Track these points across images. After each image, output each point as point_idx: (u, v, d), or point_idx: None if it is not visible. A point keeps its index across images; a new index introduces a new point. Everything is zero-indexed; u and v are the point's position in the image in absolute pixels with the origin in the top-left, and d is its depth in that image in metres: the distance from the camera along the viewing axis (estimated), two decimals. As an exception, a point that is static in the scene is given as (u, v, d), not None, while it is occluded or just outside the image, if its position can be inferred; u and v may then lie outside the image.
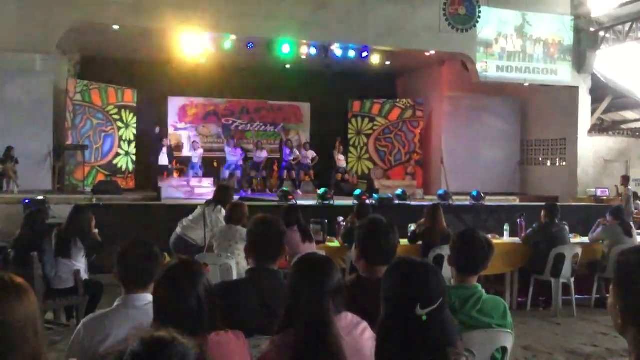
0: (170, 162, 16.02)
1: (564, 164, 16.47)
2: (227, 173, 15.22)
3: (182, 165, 16.30)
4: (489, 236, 3.29)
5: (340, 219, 7.97)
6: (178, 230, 6.85)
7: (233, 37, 13.54)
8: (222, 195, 6.92)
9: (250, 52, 14.14)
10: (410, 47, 14.43)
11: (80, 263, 6.25)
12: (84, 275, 6.27)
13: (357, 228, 3.22)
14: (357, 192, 11.31)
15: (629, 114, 18.00)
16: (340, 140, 17.12)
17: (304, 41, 13.90)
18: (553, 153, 16.88)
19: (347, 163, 17.38)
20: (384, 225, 3.09)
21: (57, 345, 5.48)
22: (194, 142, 16.80)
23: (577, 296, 7.70)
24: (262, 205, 10.88)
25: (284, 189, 12.51)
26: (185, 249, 6.58)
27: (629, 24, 14.66)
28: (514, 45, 15.16)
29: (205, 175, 15.81)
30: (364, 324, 2.39)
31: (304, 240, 6.29)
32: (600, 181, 15.66)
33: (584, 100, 15.93)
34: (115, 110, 16.07)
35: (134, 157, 16.54)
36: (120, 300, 2.64)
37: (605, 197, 14.31)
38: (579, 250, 7.71)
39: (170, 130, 17.94)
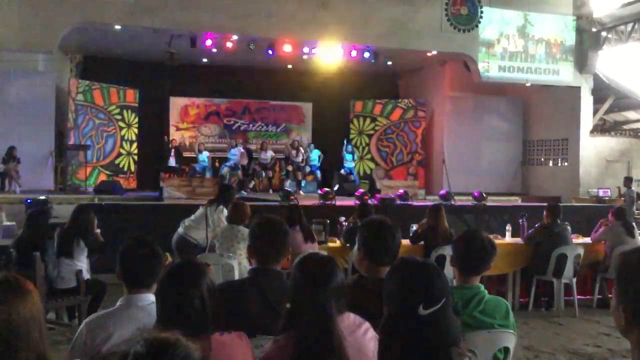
0: (178, 163, 16.02)
1: (566, 164, 16.46)
2: (224, 169, 15.15)
3: (186, 166, 16.30)
4: (491, 236, 3.29)
5: (342, 219, 7.98)
6: (180, 230, 6.85)
7: (235, 37, 13.55)
8: (224, 195, 6.92)
9: (252, 52, 14.15)
10: (412, 47, 14.42)
11: (83, 263, 6.26)
12: (86, 275, 6.27)
13: (360, 228, 3.22)
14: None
15: (631, 114, 17.97)
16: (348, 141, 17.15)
17: (306, 41, 13.90)
18: (555, 153, 16.87)
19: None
20: (388, 225, 3.09)
21: (60, 345, 5.48)
22: (200, 144, 16.81)
23: (579, 296, 7.69)
24: (264, 205, 10.88)
25: (286, 189, 12.51)
26: (187, 249, 6.58)
27: (631, 24, 14.65)
28: (515, 46, 15.15)
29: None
30: (367, 324, 2.39)
31: (306, 240, 6.30)
32: (602, 181, 15.65)
33: (586, 101, 15.92)
34: (117, 110, 16.09)
35: (135, 157, 16.55)
36: (122, 300, 2.63)
37: (607, 198, 14.30)
38: (581, 251, 7.69)
39: (172, 130, 17.95)
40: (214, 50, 14.20)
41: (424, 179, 17.43)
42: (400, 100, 18.46)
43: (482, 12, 14.30)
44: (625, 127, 17.89)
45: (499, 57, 15.00)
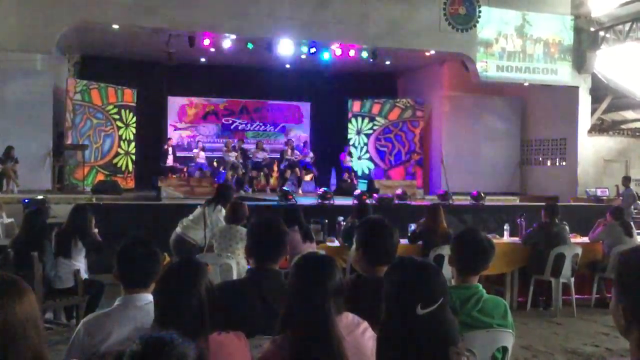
0: (175, 162, 16.00)
1: (564, 163, 16.47)
2: (224, 174, 15.20)
3: (184, 165, 16.28)
4: (489, 236, 3.28)
5: (341, 218, 7.97)
6: (178, 230, 6.84)
7: (233, 36, 13.54)
8: (222, 194, 6.91)
9: (250, 52, 14.14)
10: (410, 46, 14.43)
11: (80, 263, 6.24)
12: (84, 275, 6.26)
13: (357, 228, 3.22)
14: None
15: (629, 114, 18.00)
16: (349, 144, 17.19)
17: (304, 41, 13.90)
18: (553, 153, 16.88)
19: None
20: (385, 225, 3.09)
21: (57, 346, 5.47)
22: (198, 142, 16.80)
23: (577, 296, 7.70)
24: (262, 205, 10.87)
25: (284, 188, 12.49)
26: (185, 249, 6.57)
27: (629, 23, 14.66)
28: (514, 45, 15.17)
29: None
30: (365, 323, 2.39)
31: (305, 240, 6.30)
32: (600, 181, 15.66)
33: (584, 100, 15.93)
34: (115, 110, 16.07)
35: (133, 157, 16.53)
36: (120, 300, 2.63)
37: (605, 197, 14.31)
38: (579, 250, 7.70)
39: (170, 130, 17.94)
40: (212, 49, 14.19)
41: (422, 178, 17.43)
42: (398, 99, 18.46)
43: (480, 11, 14.30)
44: (623, 126, 17.92)
45: (497, 56, 15.01)
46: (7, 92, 13.62)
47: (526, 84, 15.69)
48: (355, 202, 9.84)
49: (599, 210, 10.64)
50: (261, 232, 2.99)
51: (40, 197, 10.35)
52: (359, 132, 18.13)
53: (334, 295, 2.20)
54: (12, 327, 1.58)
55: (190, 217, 6.89)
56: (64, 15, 11.90)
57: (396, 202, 11.22)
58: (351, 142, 17.76)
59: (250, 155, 15.96)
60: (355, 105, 18.19)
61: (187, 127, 18.26)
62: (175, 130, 18.04)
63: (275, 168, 16.92)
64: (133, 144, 16.51)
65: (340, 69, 16.49)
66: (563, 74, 15.55)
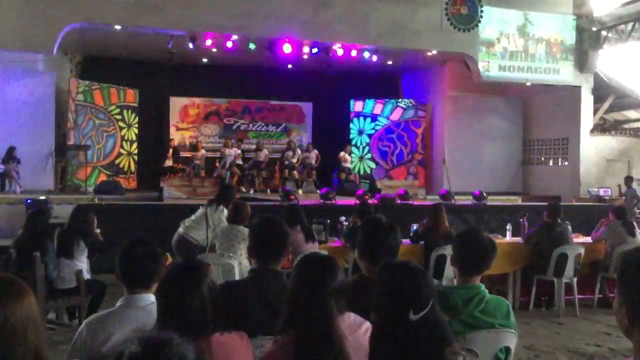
0: (176, 162, 16.04)
1: (566, 163, 16.46)
2: (223, 172, 15.20)
3: (185, 165, 16.31)
4: (492, 236, 3.28)
5: (343, 218, 7.97)
6: (180, 230, 6.84)
7: (235, 36, 13.55)
8: (224, 195, 6.91)
9: (252, 52, 14.15)
10: (412, 46, 14.43)
11: (83, 263, 6.25)
12: (86, 275, 6.27)
13: (359, 228, 3.22)
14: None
15: (631, 114, 17.98)
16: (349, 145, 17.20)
17: (306, 41, 13.90)
18: (555, 152, 16.87)
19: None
20: (385, 225, 3.08)
21: (60, 346, 5.47)
22: (197, 142, 16.82)
23: (579, 296, 7.69)
24: (264, 205, 10.88)
25: (286, 188, 12.50)
26: (188, 249, 6.57)
27: (631, 23, 14.64)
28: (515, 45, 15.16)
29: (206, 175, 15.82)
30: (367, 323, 2.39)
31: (307, 240, 6.30)
32: (602, 181, 15.64)
33: (586, 100, 15.91)
34: (117, 110, 16.09)
35: (136, 157, 16.56)
36: (122, 300, 2.63)
37: (607, 197, 14.29)
38: (582, 250, 7.69)
39: (172, 130, 17.96)
40: (214, 50, 14.20)
41: (424, 178, 17.44)
42: (400, 99, 18.47)
43: (482, 11, 14.29)
44: (625, 126, 17.89)
45: (499, 56, 15.00)
46: (9, 92, 13.63)
47: (528, 83, 15.68)
48: (357, 202, 9.84)
49: (602, 210, 10.62)
50: (263, 232, 2.99)
51: (42, 197, 10.37)
52: (361, 132, 18.13)
53: (335, 295, 2.20)
54: (12, 328, 1.59)
55: (193, 217, 6.89)
56: (66, 15, 11.92)
57: (398, 202, 11.23)
58: (353, 142, 17.76)
59: (252, 156, 15.98)
60: (358, 105, 18.20)
61: (189, 128, 18.27)
62: (177, 130, 18.05)
63: (277, 168, 16.94)
64: (135, 145, 16.54)
65: (342, 69, 16.49)
66: (565, 73, 15.54)
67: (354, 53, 14.55)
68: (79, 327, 2.59)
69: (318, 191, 12.46)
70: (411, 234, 7.54)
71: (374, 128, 18.13)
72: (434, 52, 14.88)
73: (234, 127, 18.57)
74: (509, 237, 8.28)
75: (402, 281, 2.00)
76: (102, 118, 15.73)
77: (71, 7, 11.89)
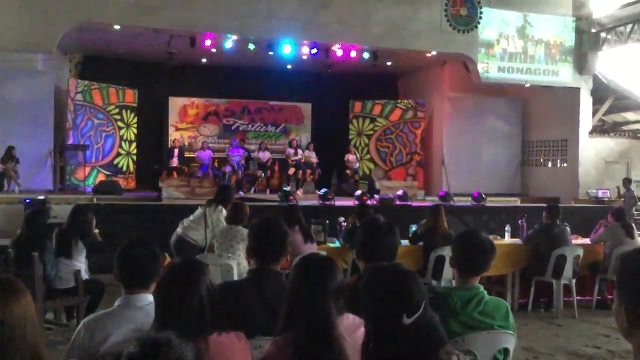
0: (181, 162, 16.05)
1: (565, 165, 16.46)
2: (228, 168, 15.20)
3: (187, 166, 16.32)
4: (491, 237, 3.27)
5: (341, 219, 7.97)
6: (179, 230, 6.84)
7: (234, 37, 13.55)
8: (223, 195, 6.91)
9: (251, 52, 14.14)
10: (411, 47, 14.43)
11: (81, 263, 6.24)
12: (85, 275, 6.25)
13: (358, 228, 3.21)
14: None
15: (630, 115, 17.97)
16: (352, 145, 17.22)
17: (305, 41, 13.90)
18: (554, 154, 16.87)
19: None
20: (384, 225, 3.08)
21: (58, 346, 5.46)
22: (203, 142, 16.84)
23: (578, 297, 7.69)
24: (263, 205, 10.88)
25: (286, 189, 12.49)
26: (186, 249, 6.57)
27: (630, 25, 14.64)
28: (515, 46, 15.16)
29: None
30: (366, 324, 2.38)
31: (306, 240, 6.30)
32: (601, 182, 15.65)
33: (585, 102, 15.92)
34: (117, 110, 16.09)
35: (134, 157, 16.55)
36: (120, 300, 2.62)
37: (606, 199, 14.29)
38: (581, 252, 7.69)
39: (171, 130, 17.95)
40: (214, 50, 14.20)
41: (423, 179, 17.43)
42: (399, 100, 18.47)
43: (481, 12, 14.30)
44: (624, 128, 17.89)
45: (499, 57, 15.00)
46: (8, 92, 13.62)
47: (527, 85, 15.68)
48: (356, 202, 9.84)
49: (600, 211, 10.63)
50: (262, 232, 2.98)
51: (41, 197, 10.36)
52: (360, 133, 18.13)
53: (334, 296, 2.20)
54: (10, 327, 1.60)
55: (191, 217, 6.89)
56: (66, 15, 11.90)
57: (397, 203, 11.23)
58: (352, 143, 17.77)
59: (254, 156, 15.98)
60: (357, 106, 18.20)
61: (188, 128, 18.26)
62: (176, 130, 18.04)
63: (277, 168, 16.95)
64: (134, 145, 16.54)
65: (341, 70, 16.49)
66: (564, 75, 15.54)
67: (353, 54, 14.55)
68: (77, 327, 2.58)
69: (317, 191, 12.44)
70: (410, 235, 7.54)
71: (373, 129, 18.13)
72: (434, 53, 14.88)
73: (233, 128, 18.57)
74: (507, 238, 8.28)
75: (393, 286, 1.99)
76: (101, 118, 15.73)
77: (70, 7, 11.87)
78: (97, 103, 15.65)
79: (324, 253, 5.16)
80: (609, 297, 7.78)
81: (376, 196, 11.95)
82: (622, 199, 13.66)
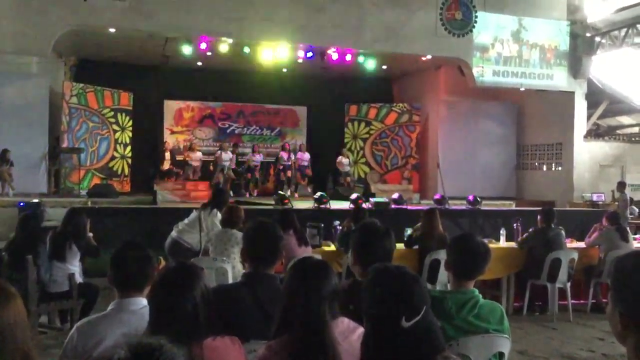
0: (174, 165, 16.06)
1: (560, 168, 16.49)
2: (220, 177, 15.25)
3: (179, 169, 16.31)
4: (485, 240, 3.27)
5: (337, 222, 7.97)
6: (173, 233, 6.82)
7: (229, 40, 13.54)
8: (218, 198, 6.89)
9: (247, 56, 14.14)
10: (406, 51, 14.44)
11: (75, 266, 6.21)
12: (79, 279, 6.23)
13: (353, 232, 3.21)
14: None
15: (624, 119, 18.03)
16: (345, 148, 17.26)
17: (301, 45, 13.90)
18: (549, 158, 16.90)
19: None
20: (379, 229, 3.07)
21: (51, 350, 5.44)
22: (192, 144, 16.85)
23: (573, 301, 7.70)
24: (258, 209, 10.86)
25: (280, 192, 12.49)
26: (181, 253, 6.55)
27: (625, 29, 14.69)
28: (510, 50, 15.19)
29: (201, 178, 15.83)
30: (361, 329, 2.37)
31: (300, 244, 6.28)
32: (596, 186, 15.67)
33: (580, 105, 15.95)
34: (112, 113, 16.06)
35: (129, 160, 16.51)
36: (114, 304, 2.61)
37: (601, 202, 14.32)
38: (575, 255, 7.70)
39: (166, 133, 17.94)
40: (209, 53, 14.18)
41: (418, 183, 17.44)
42: (395, 104, 18.49)
43: (476, 16, 14.33)
44: (619, 131, 17.94)
45: (494, 61, 15.03)
46: (3, 95, 13.58)
47: (522, 89, 15.72)
48: (352, 206, 9.84)
49: (595, 215, 10.64)
50: (256, 236, 2.97)
51: (35, 200, 10.32)
52: (355, 137, 18.14)
53: (329, 300, 2.19)
54: (1, 331, 1.60)
55: (186, 220, 6.87)
56: (61, 18, 11.87)
57: (392, 206, 11.22)
58: (347, 147, 17.79)
59: (246, 160, 16.01)
60: (352, 110, 18.23)
61: (183, 131, 18.25)
62: (171, 133, 18.02)
63: (272, 172, 16.96)
64: (129, 148, 16.51)
65: (337, 74, 16.50)
66: (559, 79, 15.58)
67: (348, 57, 14.56)
68: (70, 331, 2.57)
69: (312, 195, 12.44)
70: (405, 239, 7.54)
71: (368, 132, 18.14)
72: (429, 57, 14.90)
73: (228, 131, 18.56)
74: (502, 242, 8.28)
75: (394, 288, 1.98)
76: (96, 121, 15.69)
77: (66, 10, 11.84)
78: (92, 106, 15.61)
79: (319, 257, 5.16)
80: (604, 300, 7.78)
81: (371, 200, 11.95)
82: (617, 203, 13.68)
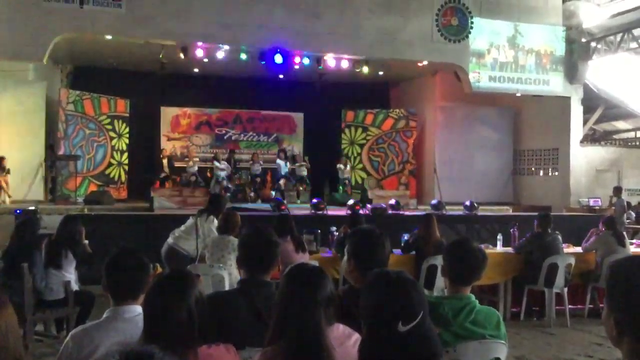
0: (173, 172, 16.06)
1: (557, 173, 16.52)
2: (217, 188, 15.30)
3: (177, 176, 16.30)
4: (482, 246, 3.27)
5: (333, 229, 7.96)
6: (170, 240, 6.80)
7: (226, 47, 13.55)
8: (214, 205, 6.88)
9: (243, 62, 14.15)
10: (403, 57, 14.47)
11: (71, 274, 6.19)
12: (75, 286, 6.20)
13: (348, 238, 3.20)
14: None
15: (620, 124, 18.10)
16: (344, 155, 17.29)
17: (297, 51, 13.91)
18: (545, 163, 16.93)
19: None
20: (376, 235, 3.07)
21: (47, 358, 5.42)
22: (189, 153, 16.87)
23: (570, 306, 7.70)
24: (254, 215, 10.85)
25: (277, 198, 12.48)
26: (177, 260, 6.53)
27: (620, 34, 14.76)
28: (506, 56, 15.23)
29: (198, 185, 15.85)
30: (356, 335, 2.36)
31: (297, 250, 6.27)
32: (592, 191, 15.71)
33: (576, 111, 16.00)
34: (108, 120, 16.05)
35: (126, 167, 16.50)
36: (109, 312, 2.59)
37: (597, 207, 14.35)
38: (572, 260, 7.70)
39: (163, 140, 17.93)
40: (205, 60, 14.19)
41: (415, 188, 17.44)
42: (391, 110, 18.51)
43: (472, 22, 14.37)
44: (615, 136, 18.01)
45: (490, 67, 15.06)
46: (-1, 102, 13.58)
47: (518, 94, 15.75)
48: (349, 212, 9.84)
49: (592, 220, 10.65)
50: (252, 242, 2.96)
51: (32, 207, 10.30)
52: (352, 143, 18.15)
53: (324, 306, 2.18)
54: None
55: (182, 227, 6.86)
56: (57, 25, 11.87)
57: (389, 212, 11.22)
58: (344, 152, 17.81)
59: (246, 166, 16.07)
60: (349, 116, 18.24)
61: (180, 138, 18.24)
62: (168, 140, 18.01)
63: (269, 179, 16.96)
64: (126, 155, 16.49)
65: (333, 80, 16.52)
66: (555, 84, 15.62)
67: (345, 63, 14.58)
68: (65, 339, 2.56)
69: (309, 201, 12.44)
70: (402, 244, 7.53)
71: (365, 138, 18.16)
72: (425, 62, 14.92)
73: (225, 137, 18.56)
74: (499, 247, 8.28)
75: (391, 291, 1.98)
76: (92, 128, 15.68)
77: (62, 17, 11.84)
78: (88, 113, 15.60)
79: (315, 263, 5.15)
80: (601, 305, 7.77)
81: (368, 205, 11.95)
82: (614, 208, 13.71)
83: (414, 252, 7.30)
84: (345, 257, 3.15)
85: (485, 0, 14.65)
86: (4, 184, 12.75)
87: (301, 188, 16.32)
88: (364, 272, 2.92)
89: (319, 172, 16.82)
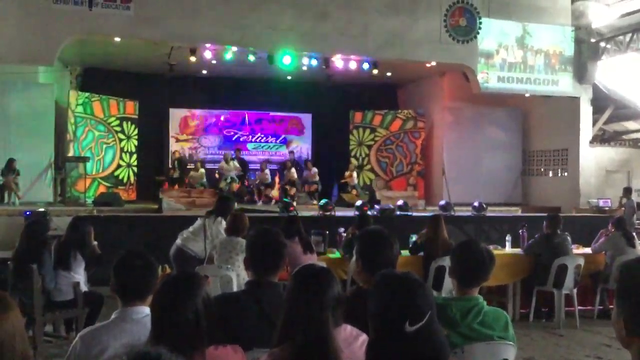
0: (182, 174, 16.11)
1: (566, 174, 16.44)
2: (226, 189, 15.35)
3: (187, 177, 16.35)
4: (491, 247, 3.26)
5: (341, 229, 7.96)
6: (178, 241, 6.82)
7: (234, 48, 13.57)
8: (222, 206, 6.89)
9: (251, 64, 14.17)
10: (411, 58, 14.44)
11: (80, 275, 6.22)
12: (84, 288, 6.23)
13: (356, 239, 3.20)
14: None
15: (630, 125, 17.98)
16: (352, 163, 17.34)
17: (305, 52, 13.93)
18: (555, 163, 16.86)
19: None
20: (384, 236, 3.06)
21: (56, 359, 5.44)
22: (197, 160, 16.96)
23: (579, 307, 7.66)
24: (263, 216, 10.86)
25: (285, 199, 12.49)
26: (185, 261, 6.54)
27: (630, 34, 14.68)
28: (514, 56, 15.17)
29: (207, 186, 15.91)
30: (364, 336, 2.36)
31: (305, 251, 6.27)
32: (602, 192, 15.63)
33: (585, 111, 15.92)
34: (117, 122, 16.11)
35: (135, 169, 16.56)
36: (117, 313, 2.60)
37: (607, 208, 14.26)
38: (582, 261, 7.66)
39: (172, 141, 17.99)
40: (214, 61, 14.23)
41: (423, 189, 17.42)
42: (399, 111, 18.49)
43: (480, 23, 14.32)
44: (625, 137, 17.90)
45: (498, 67, 15.01)
46: (9, 104, 13.64)
47: (527, 94, 15.69)
48: (357, 213, 9.83)
49: (601, 221, 10.60)
50: (259, 244, 2.97)
51: (41, 209, 10.35)
52: (360, 144, 18.15)
53: (332, 307, 2.18)
54: (1, 341, 1.61)
55: (191, 228, 6.87)
56: (66, 27, 11.92)
57: (397, 213, 11.20)
58: (352, 154, 17.81)
59: (252, 169, 16.10)
60: (357, 117, 18.23)
61: (188, 139, 18.29)
62: (176, 142, 18.06)
63: (277, 180, 16.98)
64: (135, 156, 16.55)
65: (341, 81, 16.52)
66: (564, 84, 15.55)
67: (353, 64, 14.57)
68: (74, 340, 2.57)
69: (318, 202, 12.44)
70: (410, 245, 7.52)
71: (373, 139, 18.15)
72: (433, 63, 14.88)
73: (233, 139, 18.59)
74: (508, 248, 8.26)
75: (398, 291, 1.98)
76: (101, 130, 15.75)
77: (71, 19, 11.90)
78: (97, 115, 15.67)
79: (323, 264, 5.15)
80: (611, 306, 7.74)
81: (376, 206, 11.92)
82: (623, 209, 13.63)
83: (422, 254, 7.28)
84: (354, 258, 3.14)
85: (493, 0, 14.60)
86: (13, 186, 12.82)
87: (312, 189, 16.33)
88: (372, 273, 2.92)
89: (327, 174, 16.85)
